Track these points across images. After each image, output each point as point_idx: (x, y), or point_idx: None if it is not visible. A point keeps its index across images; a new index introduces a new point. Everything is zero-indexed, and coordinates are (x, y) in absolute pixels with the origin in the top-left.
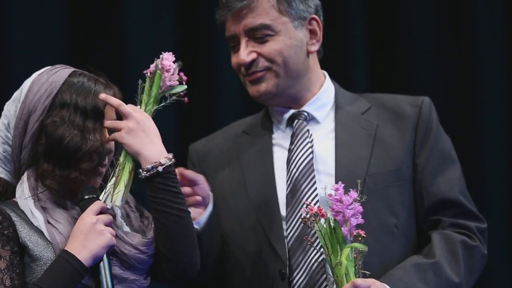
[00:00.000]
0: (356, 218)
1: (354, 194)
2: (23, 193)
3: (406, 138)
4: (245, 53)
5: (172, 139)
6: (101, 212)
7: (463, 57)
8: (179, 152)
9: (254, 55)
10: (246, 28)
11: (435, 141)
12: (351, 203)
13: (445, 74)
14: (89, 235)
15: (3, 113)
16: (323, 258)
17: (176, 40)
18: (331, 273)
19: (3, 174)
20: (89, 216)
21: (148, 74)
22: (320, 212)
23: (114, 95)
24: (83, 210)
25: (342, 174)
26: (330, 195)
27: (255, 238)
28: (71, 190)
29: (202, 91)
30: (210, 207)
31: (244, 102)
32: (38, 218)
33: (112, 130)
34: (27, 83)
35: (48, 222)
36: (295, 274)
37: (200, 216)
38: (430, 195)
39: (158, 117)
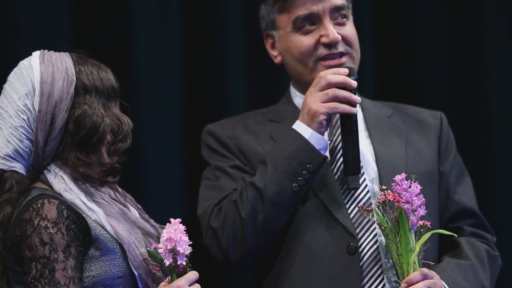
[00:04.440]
0: (421, 207)
1: (418, 185)
2: (67, 185)
3: (432, 146)
4: (335, 31)
5: (178, 128)
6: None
7: (471, 65)
8: (184, 143)
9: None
10: (333, 6)
11: (455, 153)
12: (419, 193)
13: (454, 81)
14: None
15: (16, 109)
16: (377, 246)
17: (183, 29)
18: (393, 260)
19: (22, 170)
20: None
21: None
22: (395, 199)
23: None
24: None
25: (385, 169)
26: (396, 184)
27: (317, 214)
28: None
29: (209, 81)
30: None
31: (251, 92)
32: (97, 212)
33: None
34: (34, 74)
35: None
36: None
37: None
38: (453, 203)
39: (165, 106)
